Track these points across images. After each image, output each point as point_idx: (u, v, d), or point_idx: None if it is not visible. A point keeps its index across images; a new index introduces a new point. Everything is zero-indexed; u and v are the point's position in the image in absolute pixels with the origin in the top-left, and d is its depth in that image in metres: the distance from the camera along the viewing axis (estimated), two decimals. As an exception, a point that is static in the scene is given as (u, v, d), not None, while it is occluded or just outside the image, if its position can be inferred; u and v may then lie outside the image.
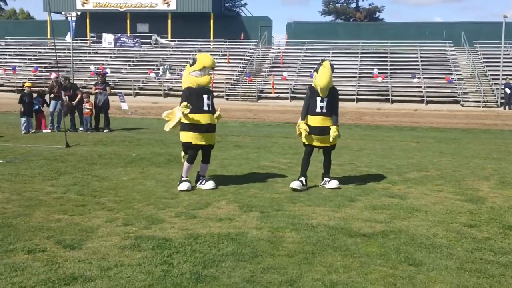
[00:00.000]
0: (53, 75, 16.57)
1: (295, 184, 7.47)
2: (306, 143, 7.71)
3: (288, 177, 8.49)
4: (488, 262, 4.64)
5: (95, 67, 35.55)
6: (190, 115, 7.34)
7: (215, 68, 37.72)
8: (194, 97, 7.39)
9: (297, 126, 7.76)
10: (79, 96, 15.55)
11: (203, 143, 7.51)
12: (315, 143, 7.67)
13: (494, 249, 5.02)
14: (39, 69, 36.77)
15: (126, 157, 10.39)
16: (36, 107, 15.27)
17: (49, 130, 15.21)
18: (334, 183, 7.65)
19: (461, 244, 5.16)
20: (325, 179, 7.79)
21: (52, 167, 9.11)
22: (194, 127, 7.38)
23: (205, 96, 7.44)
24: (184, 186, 7.38)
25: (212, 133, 7.61)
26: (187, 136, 7.45)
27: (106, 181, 7.96)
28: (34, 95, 15.46)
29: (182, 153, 7.85)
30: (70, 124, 15.38)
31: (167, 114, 7.67)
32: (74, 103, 15.39)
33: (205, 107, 7.40)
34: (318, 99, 7.51)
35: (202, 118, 7.36)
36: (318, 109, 7.50)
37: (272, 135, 15.45)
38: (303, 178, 7.63)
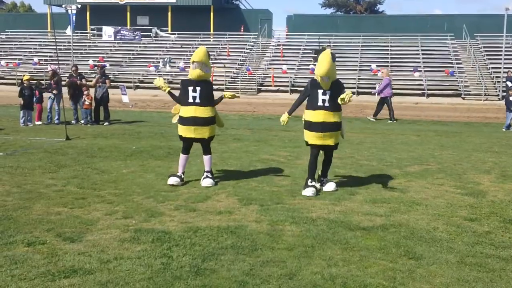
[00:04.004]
0: (50, 67, 16.60)
1: (309, 192, 6.82)
2: (309, 142, 7.08)
3: (288, 170, 8.48)
4: (489, 256, 4.64)
5: (93, 60, 35.40)
6: (179, 107, 7.42)
7: (215, 62, 37.25)
8: (183, 89, 7.38)
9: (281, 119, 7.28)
10: (83, 82, 15.83)
11: (193, 136, 7.35)
12: (317, 142, 6.99)
13: (495, 243, 5.01)
14: (40, 61, 36.65)
15: (126, 150, 10.38)
16: (34, 98, 15.36)
17: (39, 122, 15.27)
18: (331, 186, 7.10)
19: (461, 238, 5.16)
20: (322, 179, 7.23)
21: (52, 160, 9.11)
22: (181, 119, 7.40)
23: (190, 88, 7.26)
24: (171, 180, 7.30)
25: (202, 126, 7.29)
26: (179, 129, 7.48)
27: (106, 174, 7.95)
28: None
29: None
30: (73, 116, 15.50)
31: (174, 108, 7.75)
32: (78, 82, 15.65)
33: (190, 100, 7.24)
34: (320, 91, 6.80)
35: (185, 111, 7.29)
36: (320, 103, 6.79)
37: (272, 128, 15.42)
38: (314, 183, 7.02)
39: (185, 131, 7.37)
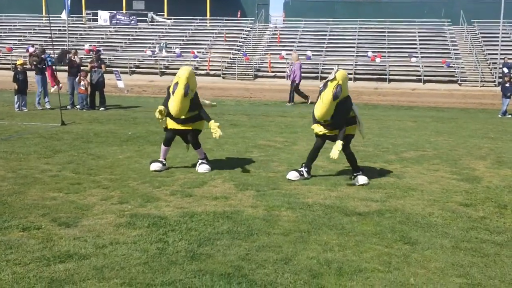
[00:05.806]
0: (30, 49, 16.54)
1: (291, 175, 6.86)
2: (315, 131, 7.01)
3: (284, 156, 8.48)
4: (484, 241, 4.66)
5: (90, 45, 35.16)
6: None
7: (212, 47, 36.93)
8: (167, 96, 7.33)
9: None
10: (77, 59, 15.86)
11: (176, 127, 7.36)
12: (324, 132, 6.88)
13: (490, 228, 5.03)
14: (34, 46, 36.33)
15: (122, 135, 10.34)
16: (49, 63, 15.37)
17: (56, 88, 15.22)
18: (361, 179, 6.79)
19: (456, 223, 5.17)
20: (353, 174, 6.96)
21: (48, 145, 9.07)
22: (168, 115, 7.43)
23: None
24: (154, 166, 7.29)
25: (185, 124, 7.31)
26: (167, 121, 7.47)
27: (102, 160, 7.93)
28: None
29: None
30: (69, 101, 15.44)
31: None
32: (76, 60, 15.68)
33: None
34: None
35: (169, 122, 7.40)
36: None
37: (269, 114, 15.39)
38: (303, 169, 6.95)
39: (170, 123, 7.41)
